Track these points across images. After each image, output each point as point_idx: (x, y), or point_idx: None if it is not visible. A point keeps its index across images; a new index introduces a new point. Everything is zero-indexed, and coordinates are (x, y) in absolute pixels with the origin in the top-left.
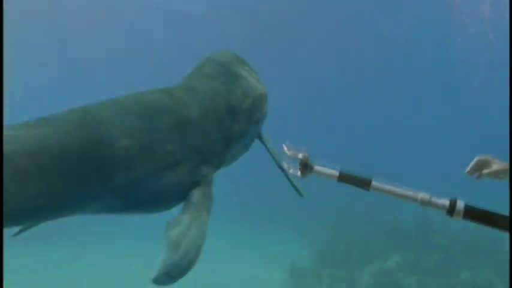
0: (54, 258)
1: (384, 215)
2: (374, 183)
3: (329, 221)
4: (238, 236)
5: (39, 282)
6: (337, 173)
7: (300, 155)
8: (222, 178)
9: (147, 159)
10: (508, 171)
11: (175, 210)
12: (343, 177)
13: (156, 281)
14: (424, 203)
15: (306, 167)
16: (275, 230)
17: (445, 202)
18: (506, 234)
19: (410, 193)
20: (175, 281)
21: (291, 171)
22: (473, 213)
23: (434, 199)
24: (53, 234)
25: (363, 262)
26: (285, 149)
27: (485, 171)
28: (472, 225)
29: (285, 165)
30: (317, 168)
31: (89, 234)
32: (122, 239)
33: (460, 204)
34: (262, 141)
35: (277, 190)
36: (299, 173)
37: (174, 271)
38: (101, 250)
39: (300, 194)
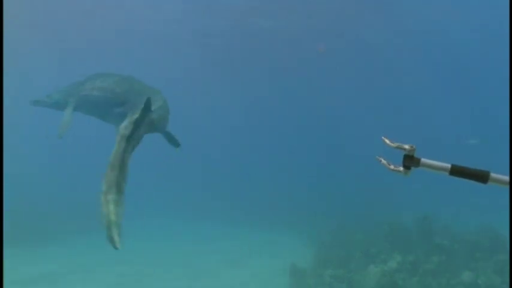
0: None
1: (385, 215)
2: (492, 175)
3: (330, 221)
4: (238, 236)
5: None
6: (449, 166)
7: (407, 146)
8: (225, 179)
9: None
10: None
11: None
12: (456, 171)
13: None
14: None
15: (412, 159)
16: (276, 231)
17: None
18: (507, 235)
19: None
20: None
21: (391, 167)
22: None
23: None
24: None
25: (363, 263)
26: (387, 141)
27: None
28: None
29: None
30: (424, 161)
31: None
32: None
33: None
34: None
35: (278, 190)
36: (401, 168)
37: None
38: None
39: None
